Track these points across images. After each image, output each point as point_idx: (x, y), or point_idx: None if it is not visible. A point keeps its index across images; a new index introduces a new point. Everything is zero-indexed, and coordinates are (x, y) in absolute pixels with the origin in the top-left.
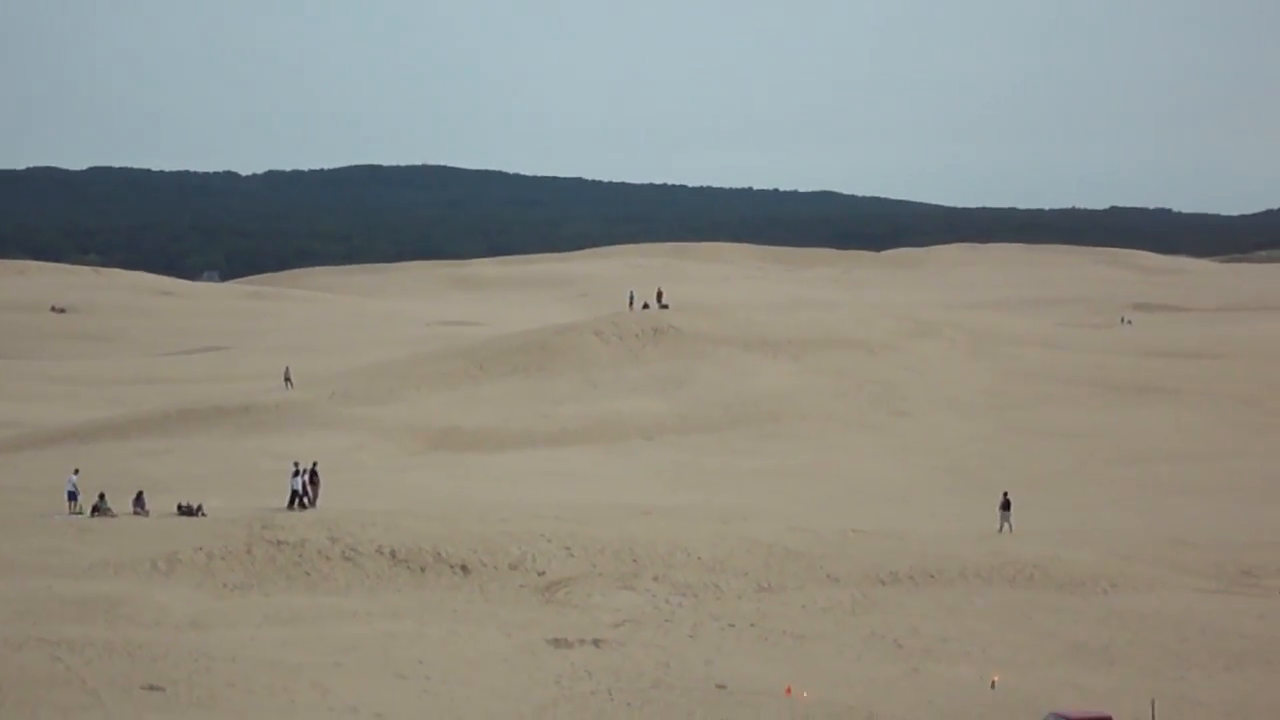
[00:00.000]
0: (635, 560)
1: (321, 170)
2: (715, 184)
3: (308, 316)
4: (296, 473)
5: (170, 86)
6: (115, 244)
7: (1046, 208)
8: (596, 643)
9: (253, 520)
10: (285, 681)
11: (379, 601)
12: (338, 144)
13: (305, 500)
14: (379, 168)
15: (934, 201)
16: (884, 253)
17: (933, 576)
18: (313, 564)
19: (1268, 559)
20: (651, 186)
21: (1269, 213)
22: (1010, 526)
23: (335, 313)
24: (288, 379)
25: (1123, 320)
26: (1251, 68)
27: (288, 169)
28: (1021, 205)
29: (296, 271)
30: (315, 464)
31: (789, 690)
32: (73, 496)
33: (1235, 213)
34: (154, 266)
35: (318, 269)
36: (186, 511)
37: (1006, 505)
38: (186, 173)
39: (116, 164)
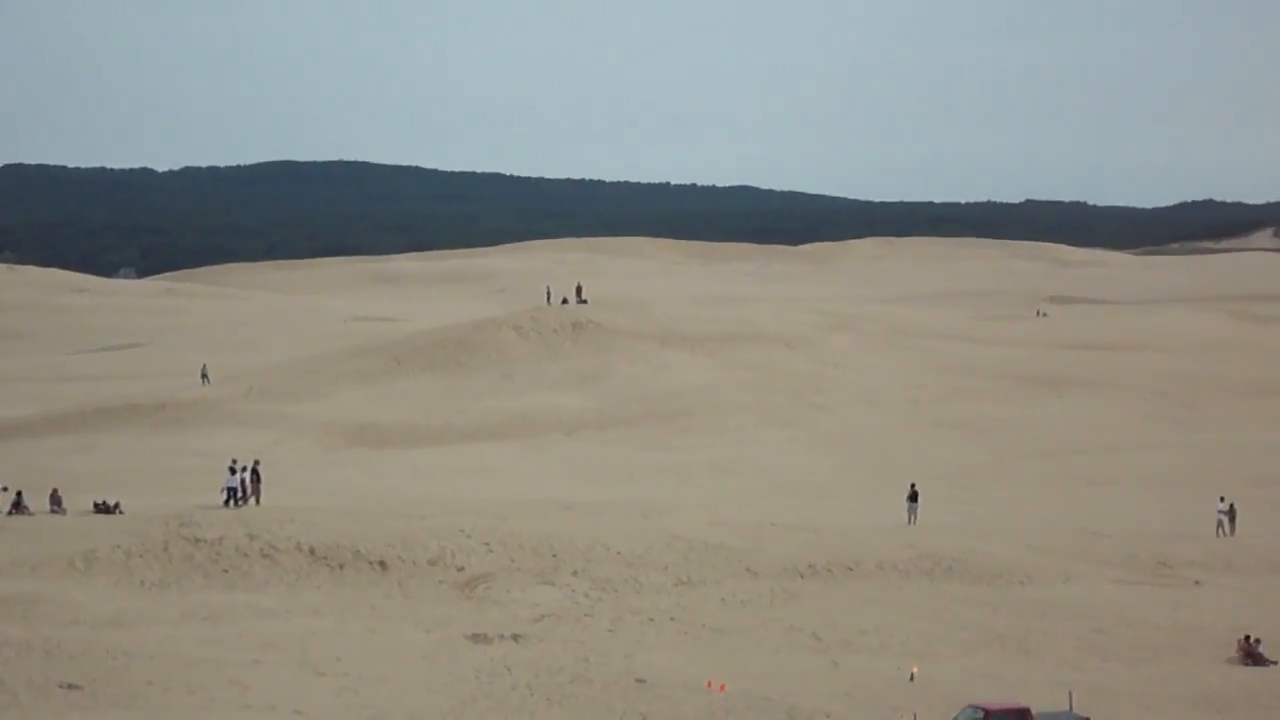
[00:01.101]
0: (554, 555)
1: (238, 167)
2: (633, 179)
3: (224, 313)
4: (234, 470)
5: (85, 83)
6: (31, 241)
7: (962, 201)
8: (516, 638)
9: (170, 518)
10: (204, 679)
11: (297, 599)
12: (254, 140)
13: (244, 498)
14: (296, 164)
15: (850, 196)
16: (801, 247)
17: (851, 569)
18: (231, 561)
19: (1182, 550)
20: (569, 182)
21: (1183, 205)
22: (916, 518)
23: (252, 309)
24: (204, 376)
25: (1038, 313)
26: (1164, 62)
27: (204, 165)
28: (937, 199)
29: (213, 268)
30: (257, 462)
31: (709, 683)
32: None
33: (1150, 206)
34: (70, 264)
35: (234, 265)
36: (104, 509)
37: (914, 497)
38: (103, 169)
39: (31, 161)
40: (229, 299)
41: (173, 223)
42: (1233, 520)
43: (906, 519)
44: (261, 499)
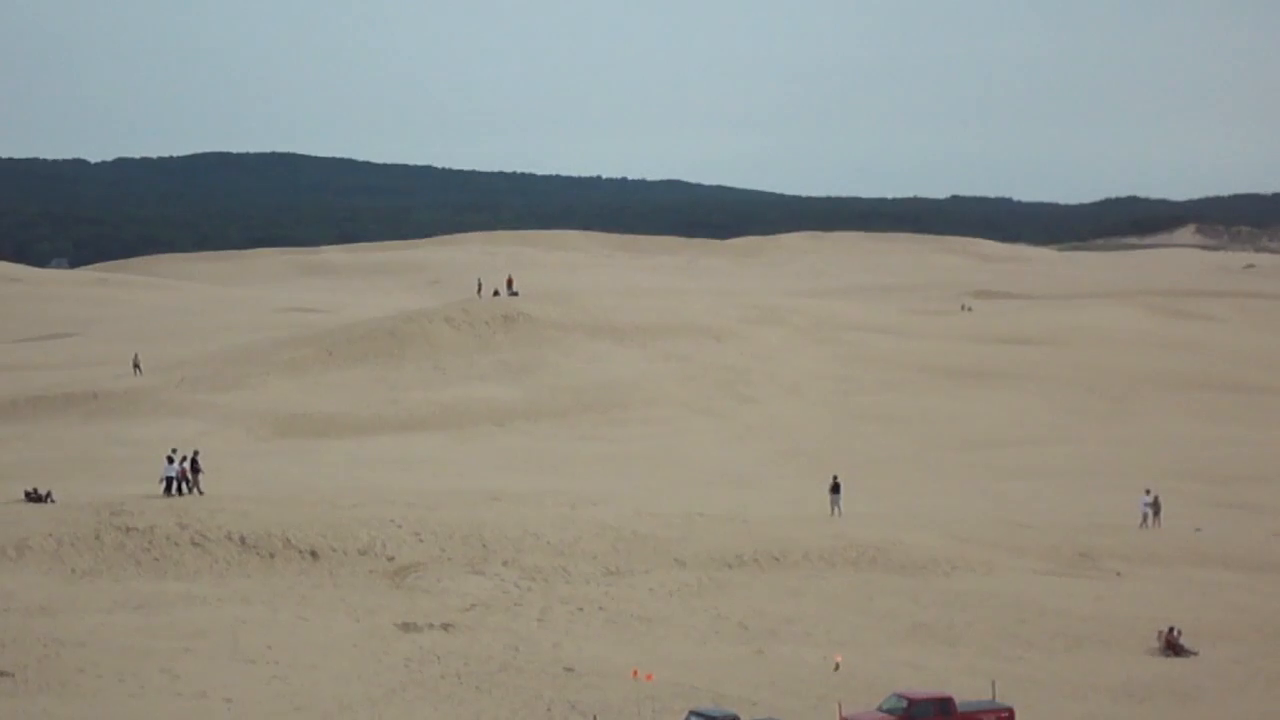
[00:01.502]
0: (484, 545)
1: (171, 158)
2: (564, 172)
3: (157, 303)
4: (171, 460)
5: (19, 74)
6: None
7: (889, 196)
8: (445, 627)
9: (102, 507)
10: (135, 667)
11: (228, 587)
12: (187, 132)
13: (185, 487)
14: (228, 155)
15: (779, 191)
16: (730, 241)
17: (777, 559)
18: (162, 550)
19: (1104, 542)
20: (501, 175)
21: (1107, 202)
22: (840, 510)
23: (184, 300)
24: (137, 366)
25: (963, 307)
26: (1091, 59)
27: (137, 156)
28: (865, 194)
29: (146, 258)
30: (196, 452)
31: (635, 672)
32: None
33: (1074, 202)
34: (2, 254)
35: (167, 256)
36: (35, 498)
37: (836, 488)
38: (35, 160)
39: None
40: (161, 289)
41: (106, 213)
42: (1157, 513)
43: (829, 510)
44: (202, 489)
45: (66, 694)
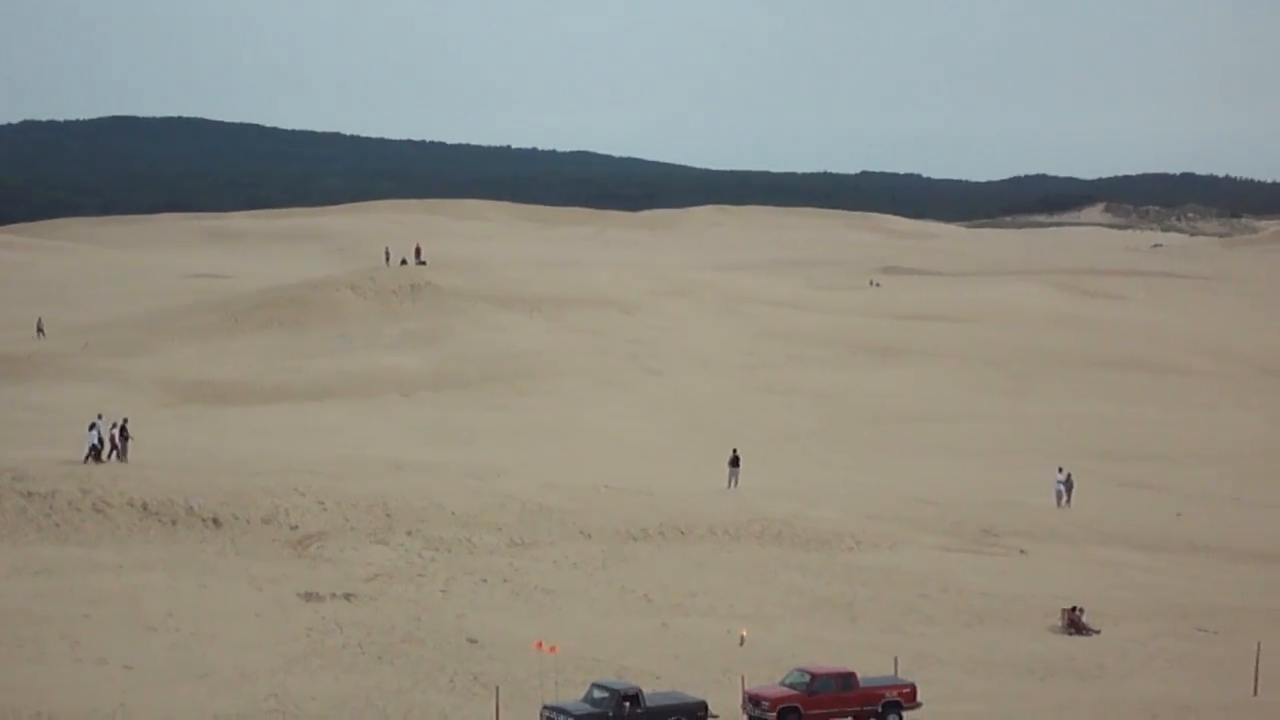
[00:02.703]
0: (388, 515)
1: (77, 121)
2: (473, 141)
3: (61, 267)
4: (94, 426)
5: None
6: None
7: (799, 171)
8: (348, 597)
9: (3, 471)
10: (34, 632)
11: (129, 554)
12: (93, 96)
13: (115, 454)
14: (134, 119)
15: (688, 164)
16: (639, 213)
17: (682, 532)
18: (63, 515)
19: (1007, 519)
20: (409, 143)
21: (1015, 179)
22: (737, 483)
23: (88, 264)
24: (40, 330)
25: (871, 283)
26: (1001, 37)
27: (43, 119)
28: (774, 169)
29: (50, 222)
30: (125, 420)
31: (539, 644)
32: None
33: (984, 179)
34: None
35: (72, 220)
36: None
37: (735, 462)
38: None
39: None
40: (65, 253)
41: (11, 176)
42: (1069, 490)
43: (726, 484)
44: (127, 456)
45: None
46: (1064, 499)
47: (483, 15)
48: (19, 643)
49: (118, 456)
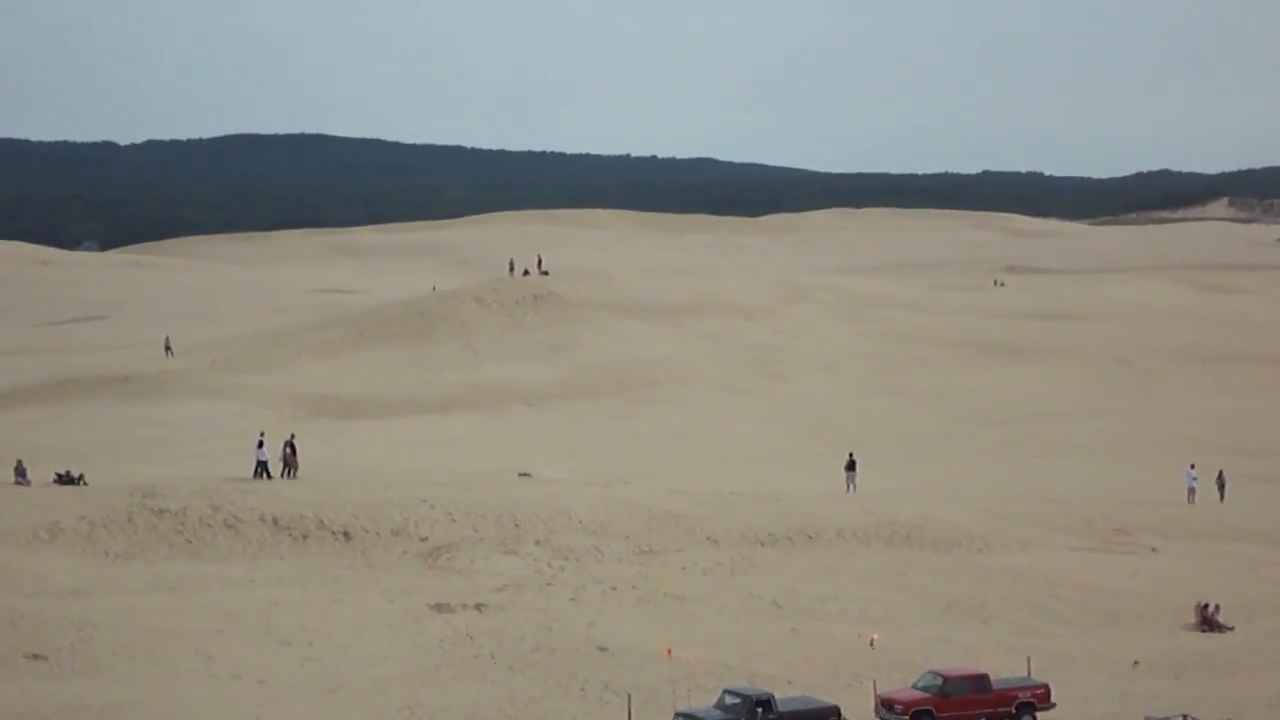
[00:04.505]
0: (517, 525)
1: (200, 140)
2: (593, 151)
3: (187, 285)
4: (260, 443)
5: (47, 57)
6: None
7: (920, 172)
8: (479, 607)
9: (134, 489)
10: (168, 649)
11: (261, 569)
12: (216, 113)
13: (286, 470)
14: (257, 136)
15: (809, 168)
16: (760, 218)
17: (810, 537)
18: (195, 532)
19: (1138, 517)
20: (530, 154)
21: (1139, 175)
22: (855, 487)
23: (215, 281)
24: (168, 348)
25: (996, 283)
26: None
27: (166, 138)
28: (895, 170)
29: (175, 240)
30: (293, 436)
31: (669, 651)
32: None
33: (1106, 175)
34: (32, 237)
35: (196, 238)
36: (67, 480)
37: (851, 466)
38: (64, 143)
39: None
40: (192, 271)
41: (135, 195)
42: (1221, 488)
43: (845, 488)
44: (298, 473)
45: (101, 676)
46: (1194, 496)
47: (602, 25)
48: (153, 659)
49: (289, 473)
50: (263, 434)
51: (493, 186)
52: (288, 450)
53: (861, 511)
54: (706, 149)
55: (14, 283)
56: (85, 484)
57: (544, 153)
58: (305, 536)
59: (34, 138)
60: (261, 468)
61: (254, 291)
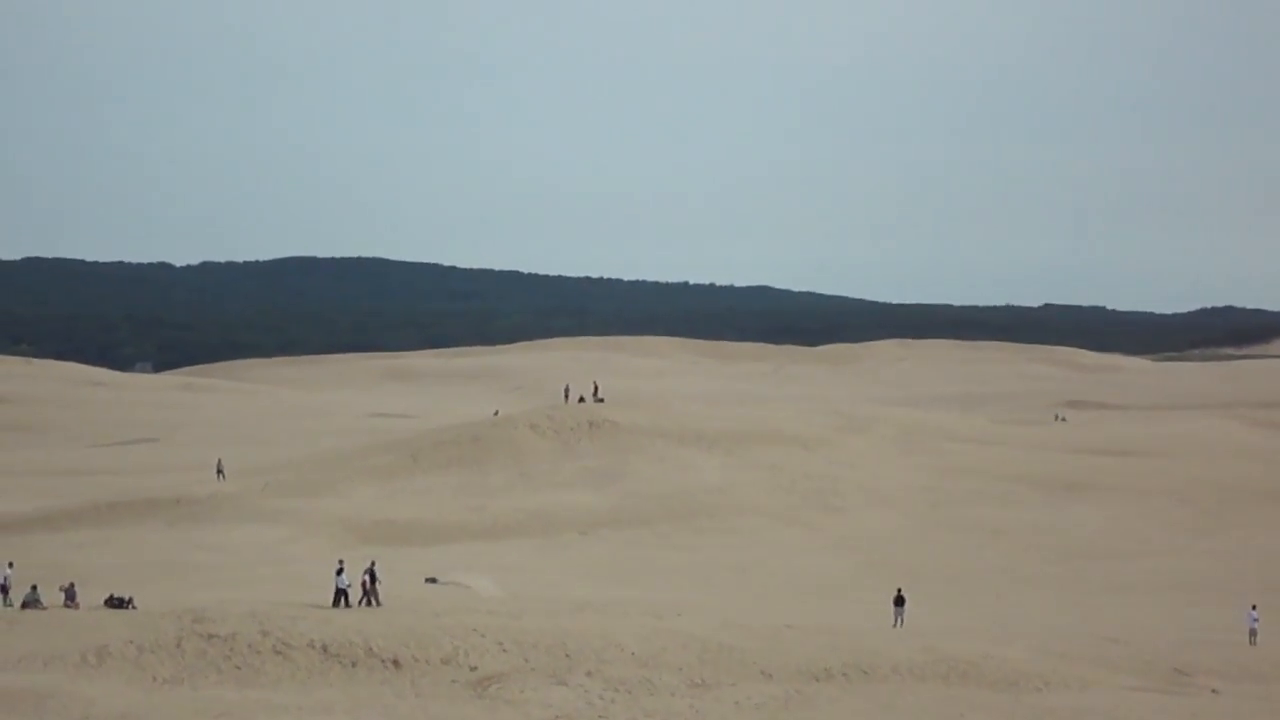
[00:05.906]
0: (568, 655)
1: (255, 262)
2: (650, 278)
3: (240, 408)
4: (341, 570)
5: (105, 178)
6: (48, 334)
7: (982, 304)
8: None
9: (184, 613)
10: None
11: (310, 696)
12: (271, 236)
13: (367, 599)
14: (313, 259)
15: (869, 298)
16: (818, 348)
17: (866, 672)
18: (243, 658)
19: (1200, 657)
20: (587, 280)
21: (1203, 311)
22: (903, 621)
23: (268, 404)
24: (220, 471)
25: (1057, 417)
26: (1185, 166)
27: (221, 260)
28: (957, 302)
29: (229, 363)
30: (374, 563)
31: None
32: (3, 590)
33: (1169, 311)
34: (86, 357)
35: (250, 360)
36: (116, 604)
37: (900, 601)
38: (120, 264)
39: (50, 255)
40: (245, 394)
41: (190, 317)
42: None
43: (893, 622)
44: (379, 600)
45: None
46: (1258, 636)
47: (659, 153)
48: None
49: (370, 601)
50: (341, 561)
51: (549, 312)
52: (366, 577)
53: (919, 648)
54: (764, 277)
55: (67, 403)
56: (134, 608)
57: (601, 279)
58: (354, 664)
59: (89, 258)
60: (342, 595)
61: (307, 415)
